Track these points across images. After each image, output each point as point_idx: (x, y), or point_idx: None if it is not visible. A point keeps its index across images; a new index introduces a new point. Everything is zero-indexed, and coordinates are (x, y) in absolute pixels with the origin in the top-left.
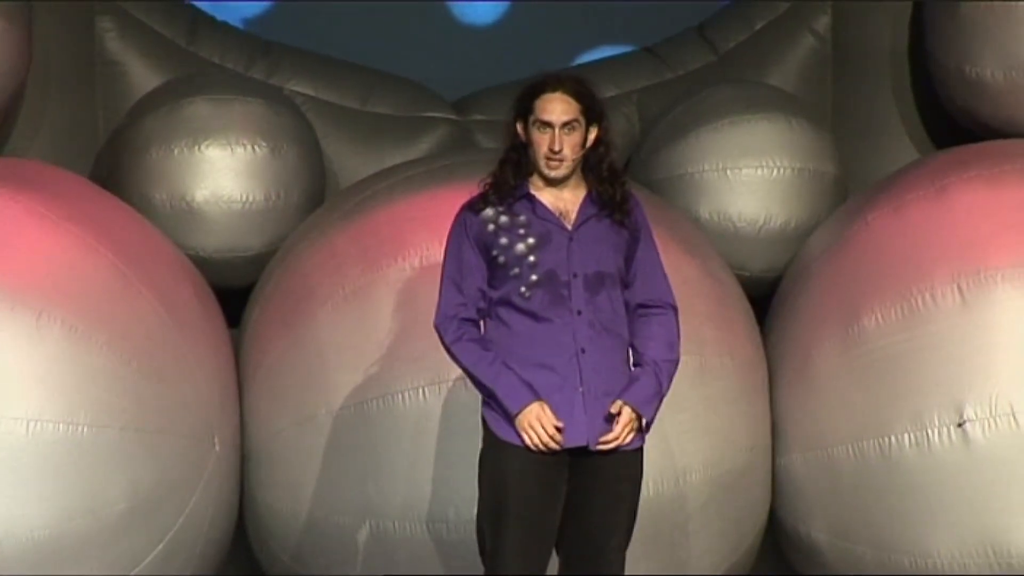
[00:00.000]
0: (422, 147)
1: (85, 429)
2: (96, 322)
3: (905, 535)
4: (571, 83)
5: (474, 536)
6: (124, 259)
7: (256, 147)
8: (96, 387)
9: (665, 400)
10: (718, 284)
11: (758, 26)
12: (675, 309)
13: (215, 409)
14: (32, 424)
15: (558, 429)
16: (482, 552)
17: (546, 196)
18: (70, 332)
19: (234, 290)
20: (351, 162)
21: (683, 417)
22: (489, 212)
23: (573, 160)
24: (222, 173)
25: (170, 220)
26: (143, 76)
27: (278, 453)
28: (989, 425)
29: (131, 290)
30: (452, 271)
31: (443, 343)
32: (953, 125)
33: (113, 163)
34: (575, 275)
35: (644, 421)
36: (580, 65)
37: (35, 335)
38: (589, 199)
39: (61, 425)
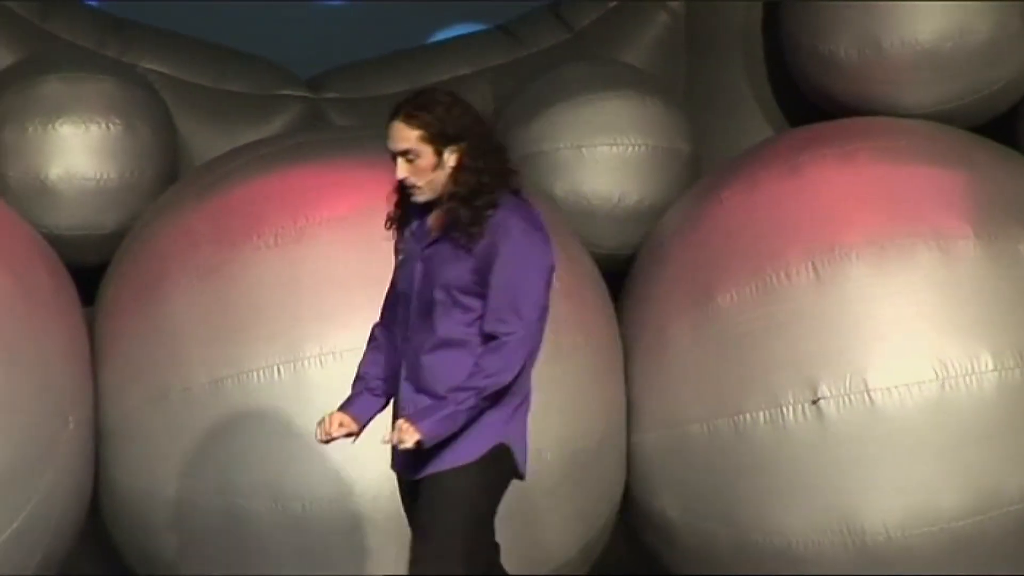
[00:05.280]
0: (276, 125)
1: None
2: None
3: (759, 513)
4: (412, 108)
5: (325, 514)
6: None
7: (110, 125)
8: None
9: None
10: (572, 262)
11: (612, 3)
12: (515, 326)
13: (68, 387)
14: None
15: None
16: None
17: (431, 215)
18: None
19: (89, 268)
20: (205, 140)
21: (537, 395)
22: (400, 221)
23: (428, 185)
24: (76, 151)
25: (24, 198)
26: None
27: (132, 431)
28: (843, 402)
29: None
30: (393, 279)
31: None
32: (807, 103)
33: None
34: (416, 299)
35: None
36: (434, 43)
37: None
38: (446, 219)
39: None
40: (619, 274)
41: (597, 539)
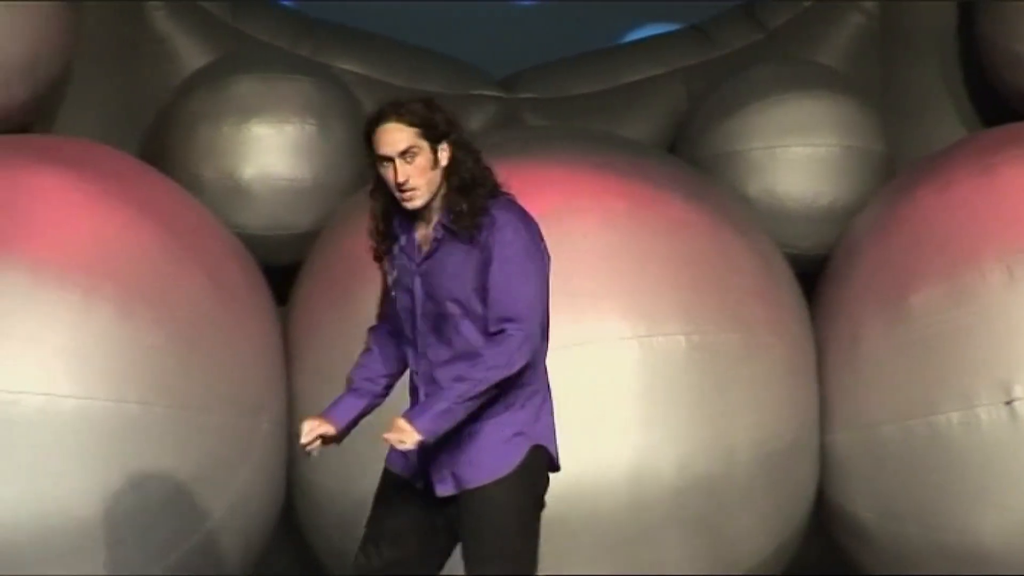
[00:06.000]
0: (470, 125)
1: (133, 407)
2: (144, 300)
3: (952, 514)
4: (404, 107)
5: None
6: (172, 237)
7: (305, 124)
8: (144, 365)
9: (460, 410)
10: (766, 262)
11: (806, 3)
12: (519, 324)
13: (263, 386)
14: (80, 402)
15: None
16: None
17: (417, 227)
18: (118, 310)
19: (282, 268)
20: None
21: (731, 396)
22: (385, 238)
23: (427, 185)
24: (270, 151)
25: (218, 198)
26: (191, 54)
27: None
28: None
29: (179, 268)
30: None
31: None
32: (1001, 103)
33: (162, 141)
34: (420, 315)
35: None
36: (627, 43)
37: (83, 313)
38: (440, 225)
39: (109, 403)
40: (812, 274)
41: (791, 539)
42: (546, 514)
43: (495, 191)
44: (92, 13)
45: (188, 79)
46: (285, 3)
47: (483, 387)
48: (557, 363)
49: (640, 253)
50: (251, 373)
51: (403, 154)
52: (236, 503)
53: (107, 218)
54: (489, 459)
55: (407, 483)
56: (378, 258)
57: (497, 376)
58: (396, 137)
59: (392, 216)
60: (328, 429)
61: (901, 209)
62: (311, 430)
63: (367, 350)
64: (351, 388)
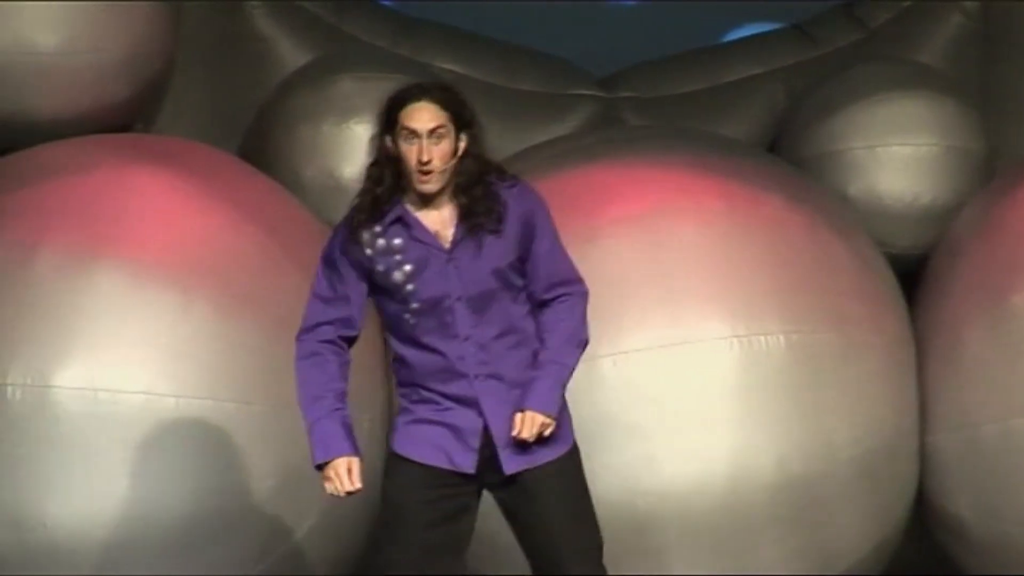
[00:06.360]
0: (569, 124)
1: (232, 406)
2: (243, 299)
3: None
4: (437, 91)
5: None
6: (271, 236)
7: None
8: (243, 364)
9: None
10: (865, 261)
11: (907, 3)
12: (576, 285)
13: (362, 386)
14: (179, 401)
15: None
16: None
17: (422, 215)
18: (217, 309)
19: None
20: (498, 140)
21: (830, 394)
22: (365, 235)
23: (444, 171)
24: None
25: (319, 197)
26: (291, 53)
27: None
28: None
29: (278, 267)
30: (321, 289)
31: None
32: None
33: (262, 140)
34: (458, 299)
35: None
36: (727, 42)
37: (182, 312)
38: (466, 208)
39: (208, 402)
40: (912, 274)
41: (890, 539)
42: (644, 512)
43: (503, 174)
44: (192, 13)
45: (288, 78)
46: (385, 2)
47: (579, 355)
48: (656, 363)
49: (739, 253)
50: (351, 373)
51: (432, 133)
52: (334, 503)
53: (206, 217)
54: (562, 431)
55: (434, 471)
56: (348, 246)
57: (583, 337)
58: (428, 115)
59: (389, 197)
60: (355, 464)
61: (1003, 209)
62: (344, 476)
63: (323, 359)
64: (334, 410)
